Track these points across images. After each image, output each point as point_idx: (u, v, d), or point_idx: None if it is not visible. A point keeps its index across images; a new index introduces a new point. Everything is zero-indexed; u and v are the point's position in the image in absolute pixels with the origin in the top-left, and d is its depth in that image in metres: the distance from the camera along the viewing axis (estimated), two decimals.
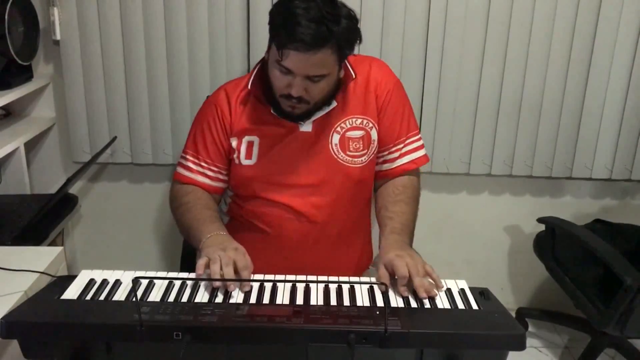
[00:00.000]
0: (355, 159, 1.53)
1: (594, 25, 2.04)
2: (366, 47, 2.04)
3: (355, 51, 2.01)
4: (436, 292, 1.23)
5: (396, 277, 1.26)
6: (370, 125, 1.54)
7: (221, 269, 1.22)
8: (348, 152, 1.52)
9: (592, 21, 2.04)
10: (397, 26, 2.03)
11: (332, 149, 1.52)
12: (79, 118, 2.12)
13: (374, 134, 1.55)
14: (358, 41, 1.41)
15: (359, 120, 1.53)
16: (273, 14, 1.39)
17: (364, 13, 2.01)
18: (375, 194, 1.64)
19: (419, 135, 1.62)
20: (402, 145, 1.58)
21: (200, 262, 1.26)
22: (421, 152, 1.61)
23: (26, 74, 2.04)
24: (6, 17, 1.82)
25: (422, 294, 1.21)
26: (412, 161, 1.59)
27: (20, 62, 1.94)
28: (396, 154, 1.58)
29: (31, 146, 2.19)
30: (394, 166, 1.58)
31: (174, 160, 2.16)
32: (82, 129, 2.13)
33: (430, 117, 2.14)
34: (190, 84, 2.08)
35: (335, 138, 1.52)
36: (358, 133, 1.53)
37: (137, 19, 2.01)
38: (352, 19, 1.38)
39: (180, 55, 2.05)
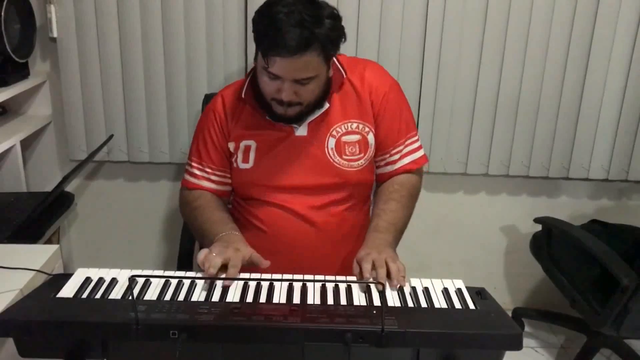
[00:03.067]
0: (352, 163, 1.53)
1: (591, 26, 2.04)
2: (364, 47, 2.04)
3: (352, 51, 2.03)
4: (383, 283, 1.22)
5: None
6: (367, 129, 1.54)
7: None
8: (344, 156, 1.53)
9: (590, 22, 2.04)
10: (394, 26, 2.03)
11: (328, 153, 1.52)
12: (75, 116, 2.12)
13: (371, 139, 1.55)
14: (343, 40, 1.42)
15: (355, 125, 1.54)
16: (256, 21, 1.40)
17: (361, 13, 2.01)
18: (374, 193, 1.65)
19: (417, 136, 1.62)
20: (402, 147, 1.59)
21: (200, 256, 1.28)
22: (421, 152, 1.62)
23: (22, 72, 2.03)
24: (2, 14, 1.82)
25: (366, 274, 1.25)
26: (413, 162, 1.60)
27: (16, 59, 1.93)
28: (397, 156, 1.59)
29: (27, 144, 2.18)
30: (395, 167, 1.59)
31: (171, 158, 2.16)
32: (79, 126, 2.13)
33: (427, 117, 2.14)
34: (188, 83, 2.08)
35: (331, 142, 1.53)
36: (354, 137, 1.53)
37: (135, 16, 2.00)
38: (336, 18, 1.38)
39: (177, 53, 2.04)
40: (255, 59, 1.45)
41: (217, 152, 1.57)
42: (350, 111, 1.54)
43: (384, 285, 1.23)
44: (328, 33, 1.35)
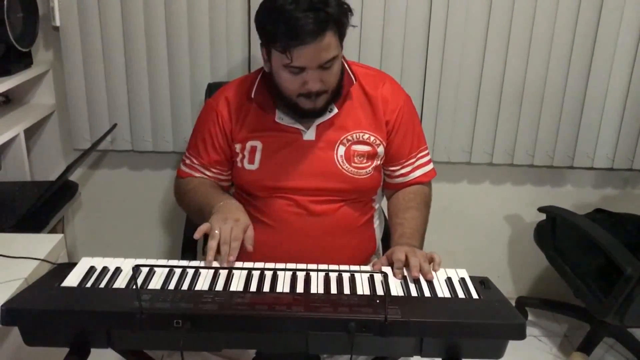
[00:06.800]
0: (360, 171, 1.54)
1: (597, 14, 2.03)
2: (368, 37, 2.03)
3: (356, 41, 2.02)
4: (431, 276, 1.25)
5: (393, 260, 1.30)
6: (378, 142, 1.55)
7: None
8: (353, 164, 1.53)
9: (595, 10, 2.02)
10: (399, 16, 2.02)
11: (337, 159, 1.52)
12: (79, 105, 2.11)
13: (381, 151, 1.56)
14: (351, 14, 1.41)
15: (367, 136, 1.53)
16: (262, 22, 1.38)
17: (365, 3, 2.00)
18: (387, 202, 1.66)
19: (428, 150, 1.65)
20: (414, 160, 1.61)
21: (201, 227, 1.30)
22: (431, 166, 1.65)
23: (26, 61, 2.03)
24: (5, 3, 1.81)
25: (415, 273, 1.25)
26: (424, 175, 1.63)
27: (19, 48, 1.93)
28: (409, 168, 1.60)
29: (31, 133, 2.18)
30: (407, 179, 1.61)
31: (175, 147, 2.16)
32: (82, 116, 2.13)
33: (432, 106, 2.13)
34: (191, 71, 2.07)
35: (341, 150, 1.52)
36: (364, 148, 1.53)
37: (138, 5, 1.99)
38: None
39: (180, 42, 2.03)
40: (268, 61, 1.44)
41: (216, 154, 1.57)
42: (364, 122, 1.54)
43: (385, 274, 1.23)
44: (338, 10, 1.35)
